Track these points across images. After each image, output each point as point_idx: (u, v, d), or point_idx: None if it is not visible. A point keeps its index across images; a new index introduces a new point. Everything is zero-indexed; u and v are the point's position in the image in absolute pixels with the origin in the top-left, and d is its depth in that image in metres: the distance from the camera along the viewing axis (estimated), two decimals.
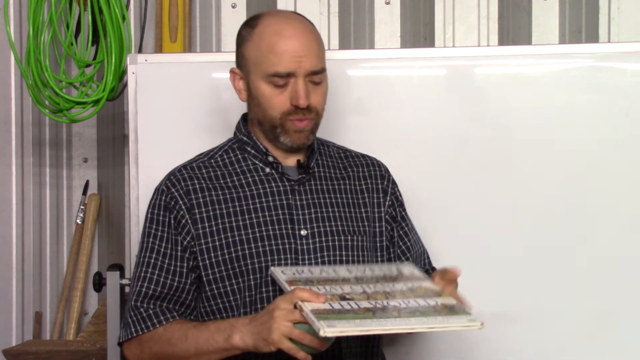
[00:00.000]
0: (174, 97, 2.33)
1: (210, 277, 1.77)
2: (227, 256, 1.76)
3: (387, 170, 1.96)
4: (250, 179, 1.83)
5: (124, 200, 2.97)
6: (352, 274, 1.68)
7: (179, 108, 2.33)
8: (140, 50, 2.76)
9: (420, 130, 2.30)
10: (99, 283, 2.42)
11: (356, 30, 3.00)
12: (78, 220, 3.13)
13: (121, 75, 2.55)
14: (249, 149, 1.85)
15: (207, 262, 1.77)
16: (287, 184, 1.82)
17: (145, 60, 2.35)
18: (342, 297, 1.56)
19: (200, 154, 1.90)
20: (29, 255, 3.01)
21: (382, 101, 2.31)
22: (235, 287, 1.76)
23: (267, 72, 1.76)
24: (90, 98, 2.57)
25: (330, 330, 1.46)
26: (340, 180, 1.89)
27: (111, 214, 3.16)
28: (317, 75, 1.78)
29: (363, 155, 1.97)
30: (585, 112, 2.29)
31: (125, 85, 2.48)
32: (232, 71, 1.86)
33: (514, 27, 2.96)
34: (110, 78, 2.53)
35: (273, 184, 1.82)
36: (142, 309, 1.76)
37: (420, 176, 2.28)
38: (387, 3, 2.97)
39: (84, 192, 3.14)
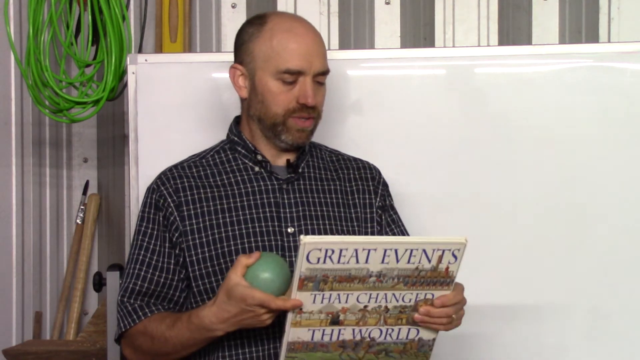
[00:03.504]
0: (174, 97, 2.33)
1: (197, 273, 1.78)
2: (213, 252, 1.78)
3: (378, 173, 1.96)
4: (239, 178, 1.84)
5: (124, 200, 2.97)
6: (379, 267, 1.56)
7: (179, 108, 2.33)
8: (140, 50, 2.76)
9: (420, 130, 2.30)
10: (99, 283, 2.43)
11: (356, 30, 3.00)
12: (78, 220, 3.13)
13: (121, 75, 2.54)
14: (239, 148, 1.87)
15: (194, 258, 1.78)
16: (275, 182, 1.83)
17: (145, 60, 2.35)
18: (334, 321, 1.60)
19: (193, 155, 1.92)
20: (29, 255, 3.01)
21: (382, 101, 2.31)
22: (222, 282, 1.74)
23: (278, 69, 1.77)
24: (90, 98, 2.57)
25: None
26: (330, 181, 1.89)
27: (111, 214, 3.16)
28: (323, 76, 1.81)
29: (355, 159, 1.97)
30: (585, 112, 2.28)
31: (125, 85, 2.48)
32: (233, 67, 1.85)
33: (514, 27, 2.96)
34: (110, 78, 2.53)
35: (262, 182, 1.83)
36: (127, 304, 1.79)
37: (420, 176, 2.28)
38: (387, 3, 2.97)
39: (84, 192, 3.14)
